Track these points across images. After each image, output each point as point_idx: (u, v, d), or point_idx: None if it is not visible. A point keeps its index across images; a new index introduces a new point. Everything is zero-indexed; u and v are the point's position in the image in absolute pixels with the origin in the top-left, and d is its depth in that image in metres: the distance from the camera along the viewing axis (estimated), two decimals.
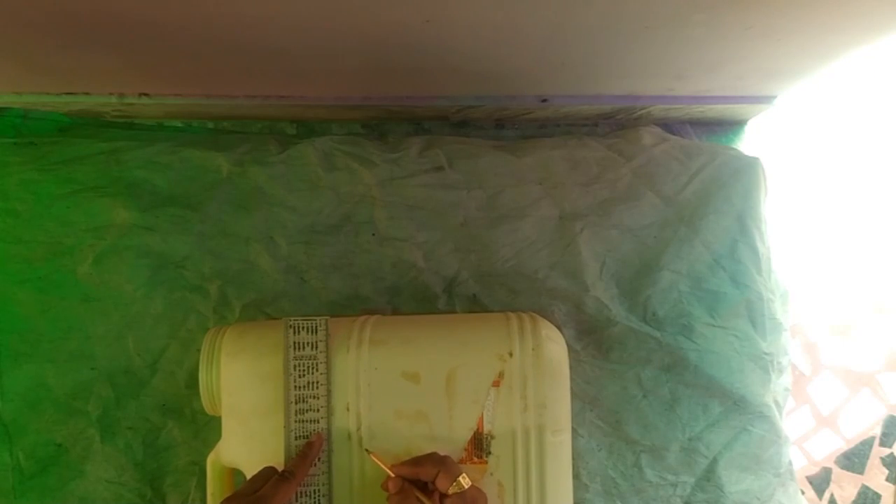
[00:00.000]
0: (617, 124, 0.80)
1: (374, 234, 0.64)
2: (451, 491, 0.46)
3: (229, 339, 0.54)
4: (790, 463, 0.63)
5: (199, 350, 0.60)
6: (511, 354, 0.52)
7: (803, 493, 0.69)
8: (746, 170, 0.66)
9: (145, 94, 0.72)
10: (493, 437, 0.51)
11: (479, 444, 0.51)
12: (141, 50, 0.58)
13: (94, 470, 0.59)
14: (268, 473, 0.48)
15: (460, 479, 0.47)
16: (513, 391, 0.51)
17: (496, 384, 0.51)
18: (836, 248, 0.89)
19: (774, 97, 0.76)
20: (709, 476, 0.61)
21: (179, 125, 0.78)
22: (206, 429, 0.60)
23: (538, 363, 0.51)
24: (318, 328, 0.51)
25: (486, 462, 0.51)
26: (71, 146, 0.63)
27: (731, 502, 0.60)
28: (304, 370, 0.51)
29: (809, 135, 0.86)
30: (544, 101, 0.74)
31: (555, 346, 0.54)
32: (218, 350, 0.53)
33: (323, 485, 0.50)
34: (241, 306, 0.62)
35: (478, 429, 0.51)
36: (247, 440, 0.52)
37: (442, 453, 0.50)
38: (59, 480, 0.59)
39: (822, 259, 0.89)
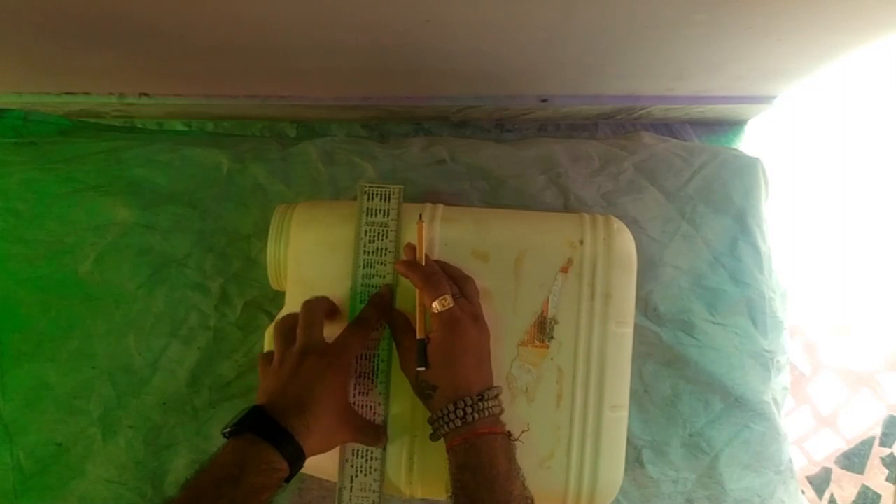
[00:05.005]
0: (617, 124, 0.80)
1: None
2: (435, 309, 0.46)
3: (300, 211, 0.55)
4: (790, 461, 0.63)
5: (199, 349, 0.60)
6: (582, 242, 0.51)
7: (803, 493, 0.69)
8: (747, 169, 0.66)
9: (145, 94, 0.72)
10: (556, 322, 0.51)
11: (541, 328, 0.51)
12: (141, 50, 0.58)
13: (94, 469, 0.59)
14: (319, 304, 0.49)
15: (442, 298, 0.46)
16: (581, 278, 0.51)
17: (564, 270, 0.51)
18: (836, 247, 0.89)
19: (774, 97, 0.76)
20: (710, 473, 0.61)
21: (180, 128, 0.78)
22: (208, 426, 0.60)
23: (608, 253, 0.51)
24: (392, 196, 0.52)
25: (548, 346, 0.51)
26: (71, 145, 0.63)
27: (733, 499, 0.60)
28: (374, 236, 0.51)
29: (809, 135, 0.86)
30: (544, 101, 0.74)
31: (626, 238, 0.53)
32: (289, 222, 0.54)
33: (383, 350, 0.51)
34: (242, 304, 0.62)
35: (542, 312, 0.51)
36: None
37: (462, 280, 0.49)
38: (59, 480, 0.59)
39: (822, 259, 0.89)
